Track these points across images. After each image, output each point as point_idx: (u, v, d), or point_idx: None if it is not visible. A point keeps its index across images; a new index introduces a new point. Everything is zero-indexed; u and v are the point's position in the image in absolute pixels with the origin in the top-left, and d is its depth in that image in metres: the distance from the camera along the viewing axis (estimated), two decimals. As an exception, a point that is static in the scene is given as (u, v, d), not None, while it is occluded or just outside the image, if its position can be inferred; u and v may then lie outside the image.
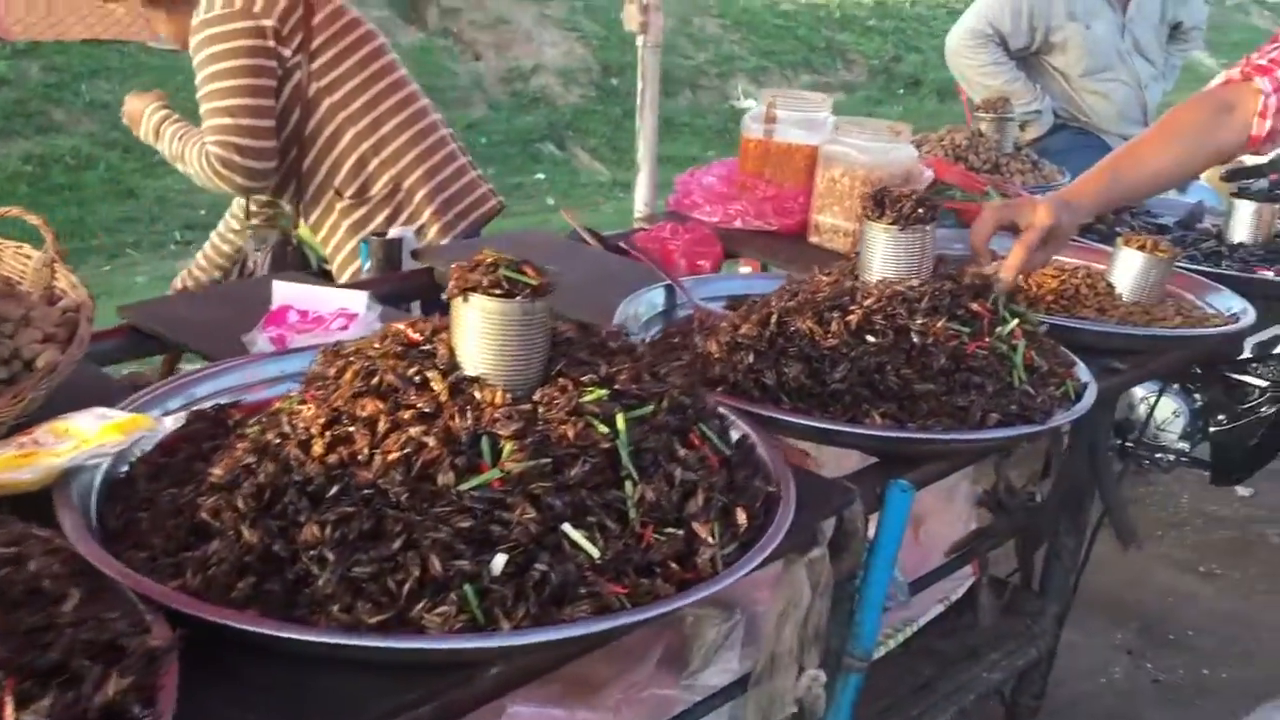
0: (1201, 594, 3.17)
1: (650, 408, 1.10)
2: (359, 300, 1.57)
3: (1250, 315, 1.89)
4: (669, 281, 1.75)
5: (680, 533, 1.04)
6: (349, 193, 2.42)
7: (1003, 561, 2.16)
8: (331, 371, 1.12)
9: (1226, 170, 3.35)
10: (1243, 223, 2.30)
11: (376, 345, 1.12)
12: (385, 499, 0.98)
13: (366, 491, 0.99)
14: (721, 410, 1.28)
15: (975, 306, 1.49)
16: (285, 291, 1.59)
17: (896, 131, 2.18)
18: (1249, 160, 3.58)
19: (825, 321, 1.44)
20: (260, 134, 2.32)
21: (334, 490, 0.99)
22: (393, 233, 2.04)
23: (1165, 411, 3.51)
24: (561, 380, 1.09)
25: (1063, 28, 3.52)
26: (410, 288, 1.97)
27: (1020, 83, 3.55)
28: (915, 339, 1.41)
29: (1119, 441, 3.63)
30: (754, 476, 1.18)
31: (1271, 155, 3.28)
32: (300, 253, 2.58)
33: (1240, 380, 3.43)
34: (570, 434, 1.04)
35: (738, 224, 2.28)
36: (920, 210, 1.49)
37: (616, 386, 1.10)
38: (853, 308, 1.44)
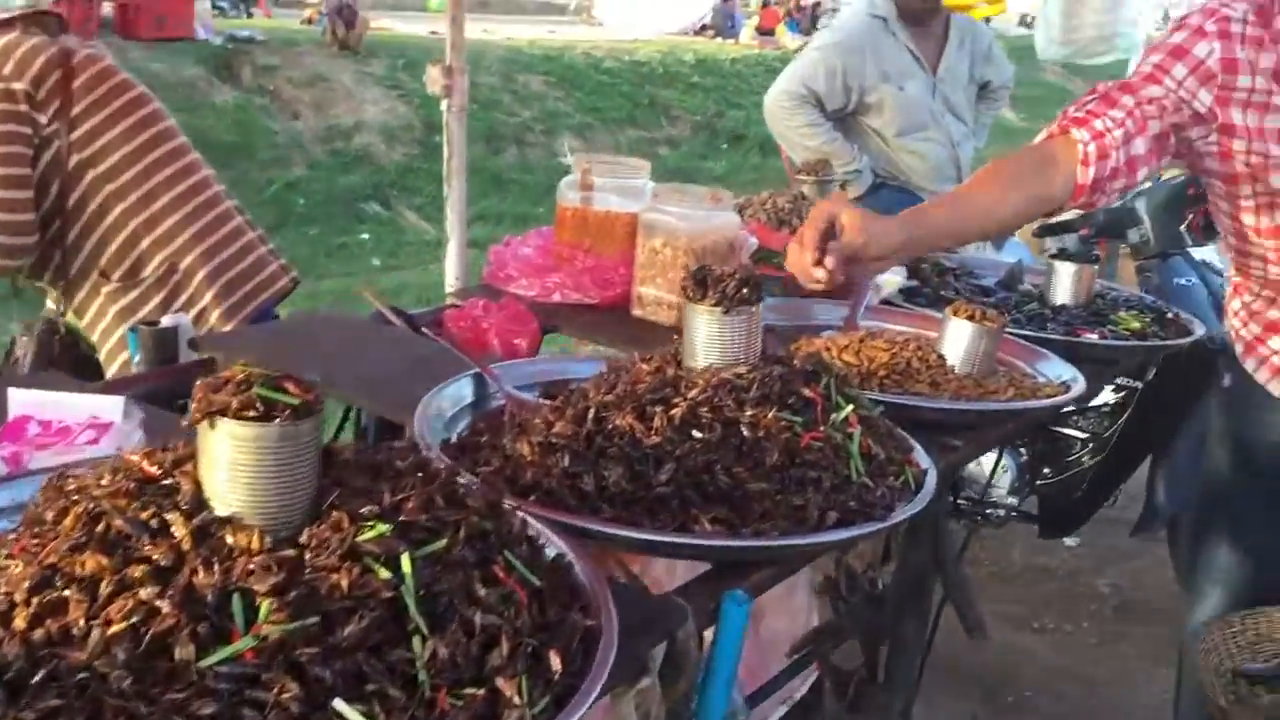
0: (1038, 651, 3.16)
1: (443, 541, 0.94)
2: (113, 407, 1.35)
3: (1080, 384, 1.85)
4: (477, 369, 1.59)
5: (481, 693, 0.88)
6: (116, 274, 2.18)
7: (845, 647, 2.07)
8: (50, 515, 0.92)
9: (1039, 226, 3.41)
10: (1064, 284, 2.29)
11: (105, 481, 0.93)
12: (104, 685, 0.79)
13: (81, 676, 0.79)
14: (533, 527, 1.13)
15: (808, 392, 1.38)
16: (23, 399, 1.36)
17: (717, 199, 2.08)
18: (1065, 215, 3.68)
19: (647, 416, 1.30)
20: (12, 207, 2.06)
21: (39, 676, 0.79)
22: (166, 320, 1.81)
23: (992, 465, 3.52)
24: (335, 515, 0.91)
25: (876, 89, 3.53)
26: (187, 384, 1.75)
27: (838, 143, 3.54)
28: (746, 432, 1.29)
29: (952, 499, 3.64)
30: (570, 607, 1.03)
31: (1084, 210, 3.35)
32: (72, 341, 2.31)
33: (1062, 433, 3.49)
34: (344, 583, 0.86)
35: (556, 297, 2.14)
36: (745, 290, 1.38)
37: (402, 518, 0.93)
38: (676, 400, 1.31)
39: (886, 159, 3.61)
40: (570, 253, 2.20)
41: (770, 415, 1.31)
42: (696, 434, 1.28)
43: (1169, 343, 2.16)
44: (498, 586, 0.96)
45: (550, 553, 1.12)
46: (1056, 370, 1.94)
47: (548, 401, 1.49)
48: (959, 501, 3.61)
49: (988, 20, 20.15)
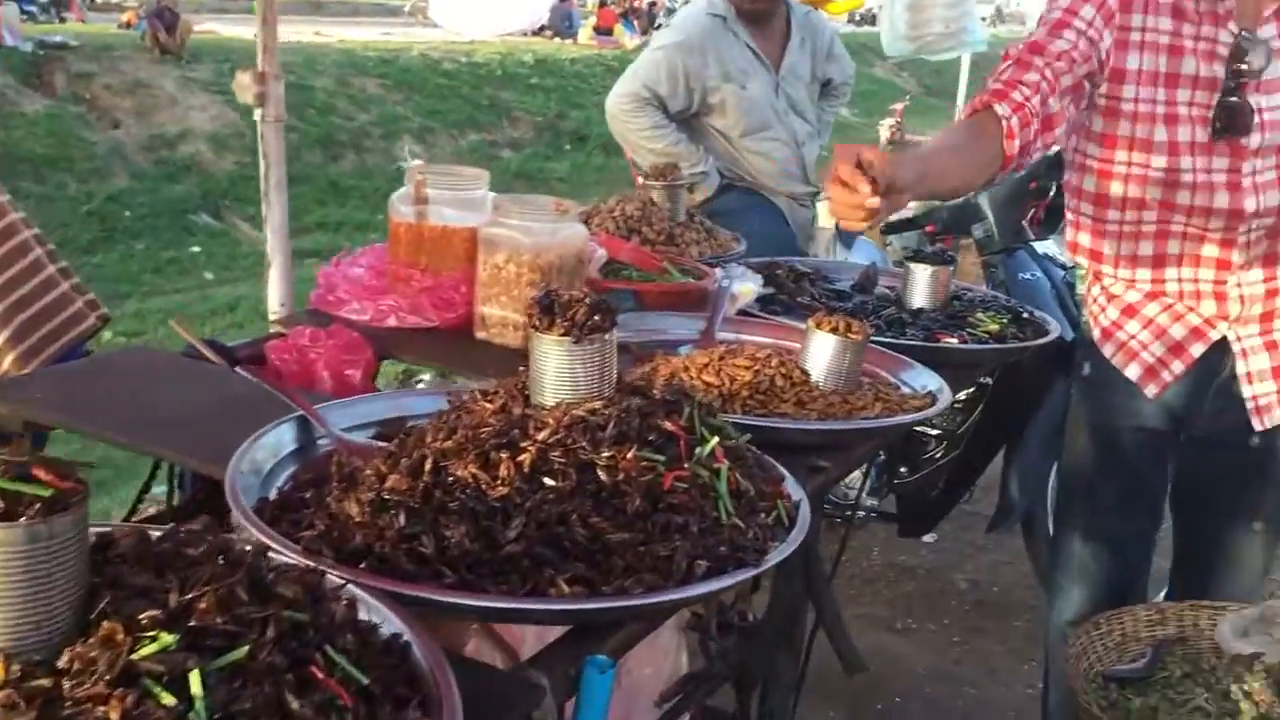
0: (902, 654, 3.13)
1: (245, 648, 0.78)
2: None
3: (946, 394, 1.79)
4: (300, 411, 1.42)
5: (298, 832, 0.72)
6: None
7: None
8: None
9: (885, 224, 3.38)
10: (920, 287, 2.24)
11: None
12: None
13: None
14: (363, 605, 0.98)
15: (669, 425, 1.26)
16: None
17: (562, 209, 1.95)
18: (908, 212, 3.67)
19: (492, 464, 1.16)
20: None
21: None
22: (-66, 368, 1.58)
23: (852, 469, 3.49)
24: (106, 627, 0.75)
25: (719, 89, 3.45)
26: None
27: (683, 145, 3.45)
28: (603, 477, 1.16)
29: (811, 503, 3.59)
30: (406, 704, 0.88)
31: (928, 207, 3.33)
32: None
33: (917, 431, 3.47)
34: (114, 717, 0.70)
35: (391, 321, 1.97)
36: (597, 316, 1.25)
37: (193, 623, 0.77)
38: (525, 444, 1.17)
39: (732, 160, 3.53)
40: (405, 272, 2.03)
41: (630, 455, 1.18)
42: (549, 482, 1.15)
43: (1028, 344, 2.13)
44: (315, 692, 0.81)
45: (386, 632, 0.97)
46: (921, 379, 1.88)
47: (383, 445, 1.34)
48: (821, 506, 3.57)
49: (851, 16, 20.52)
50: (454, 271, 2.01)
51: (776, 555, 1.21)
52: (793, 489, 1.37)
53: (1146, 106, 1.90)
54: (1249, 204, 1.91)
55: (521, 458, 1.16)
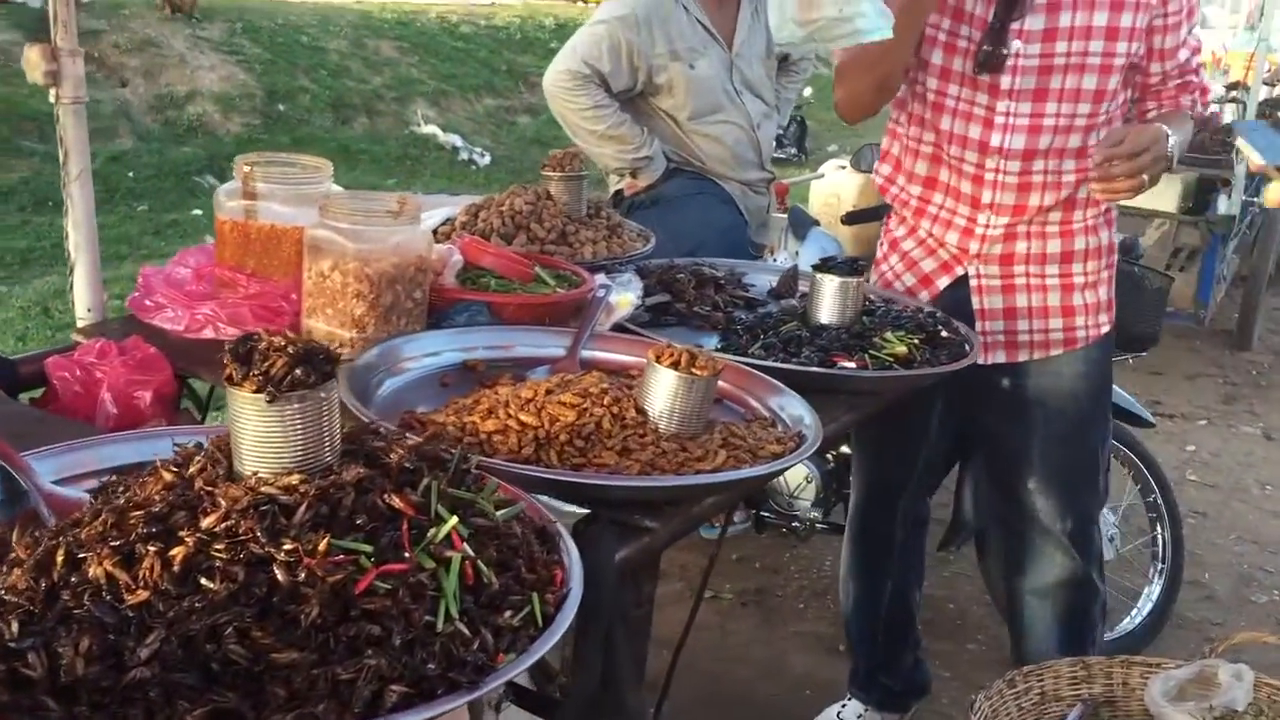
0: (839, 680, 2.90)
1: None
2: None
3: (813, 432, 1.55)
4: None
5: None
6: None
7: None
8: None
9: (847, 213, 3.11)
10: (827, 301, 1.99)
11: None
12: None
13: None
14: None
15: (397, 503, 1.03)
16: None
17: (402, 207, 1.71)
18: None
19: (137, 558, 0.94)
20: None
21: None
22: None
23: (797, 477, 3.26)
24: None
25: (665, 68, 3.18)
26: None
27: (626, 126, 3.19)
28: (280, 576, 0.94)
29: (754, 512, 3.37)
30: None
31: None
32: None
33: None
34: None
35: (208, 332, 1.75)
36: (299, 370, 1.01)
37: None
38: (184, 533, 0.95)
39: (680, 143, 3.27)
40: (230, 276, 1.81)
41: (323, 546, 0.96)
42: (206, 583, 0.92)
43: (934, 370, 1.88)
44: None
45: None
46: (796, 410, 1.64)
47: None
48: (763, 515, 3.35)
49: None
50: (284, 277, 1.79)
51: (505, 672, 0.98)
52: (573, 567, 1.14)
53: (931, 31, 2.17)
54: (994, 139, 2.17)
55: (174, 551, 0.93)
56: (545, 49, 16.31)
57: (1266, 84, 7.27)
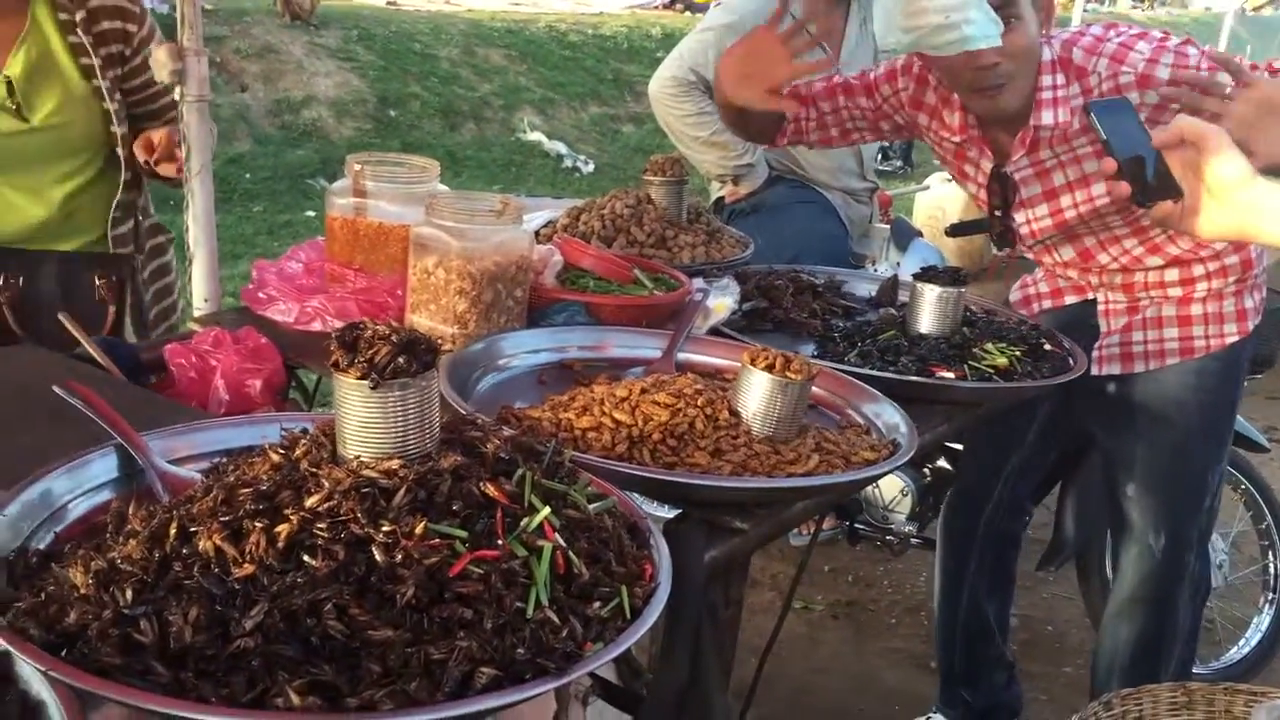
0: (929, 697, 2.85)
1: None
2: None
3: (907, 441, 1.53)
4: (118, 440, 1.26)
5: None
6: None
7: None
8: None
9: (952, 225, 3.09)
10: (927, 311, 1.97)
11: None
12: None
13: None
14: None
15: (491, 491, 1.05)
16: None
17: (506, 208, 1.75)
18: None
19: (244, 534, 0.97)
20: None
21: None
22: None
23: (892, 490, 3.22)
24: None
25: (772, 72, 3.19)
26: None
27: (729, 133, 3.20)
28: (378, 557, 0.97)
29: (848, 524, 3.34)
30: None
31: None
32: None
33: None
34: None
35: (316, 325, 1.81)
36: (402, 359, 1.05)
37: None
38: (289, 511, 0.99)
39: (783, 151, 3.27)
40: (340, 272, 1.86)
41: (420, 529, 0.98)
42: (308, 560, 0.96)
43: (1035, 384, 1.84)
44: None
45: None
46: (891, 417, 1.63)
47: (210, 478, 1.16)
48: (857, 527, 3.32)
49: None
50: (390, 273, 1.84)
51: (591, 660, 1.00)
52: (662, 562, 1.15)
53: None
54: (1030, 240, 2.23)
55: (279, 529, 0.97)
56: (651, 58, 16.39)
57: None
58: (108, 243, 2.16)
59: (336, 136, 12.64)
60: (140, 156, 2.07)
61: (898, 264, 3.68)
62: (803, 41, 2.03)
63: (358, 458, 1.06)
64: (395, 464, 1.04)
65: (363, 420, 1.06)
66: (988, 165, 2.15)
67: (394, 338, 1.05)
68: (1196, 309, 2.22)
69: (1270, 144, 1.60)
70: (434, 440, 1.09)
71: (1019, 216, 2.18)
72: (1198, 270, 2.19)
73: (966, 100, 2.04)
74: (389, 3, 16.20)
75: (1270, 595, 3.12)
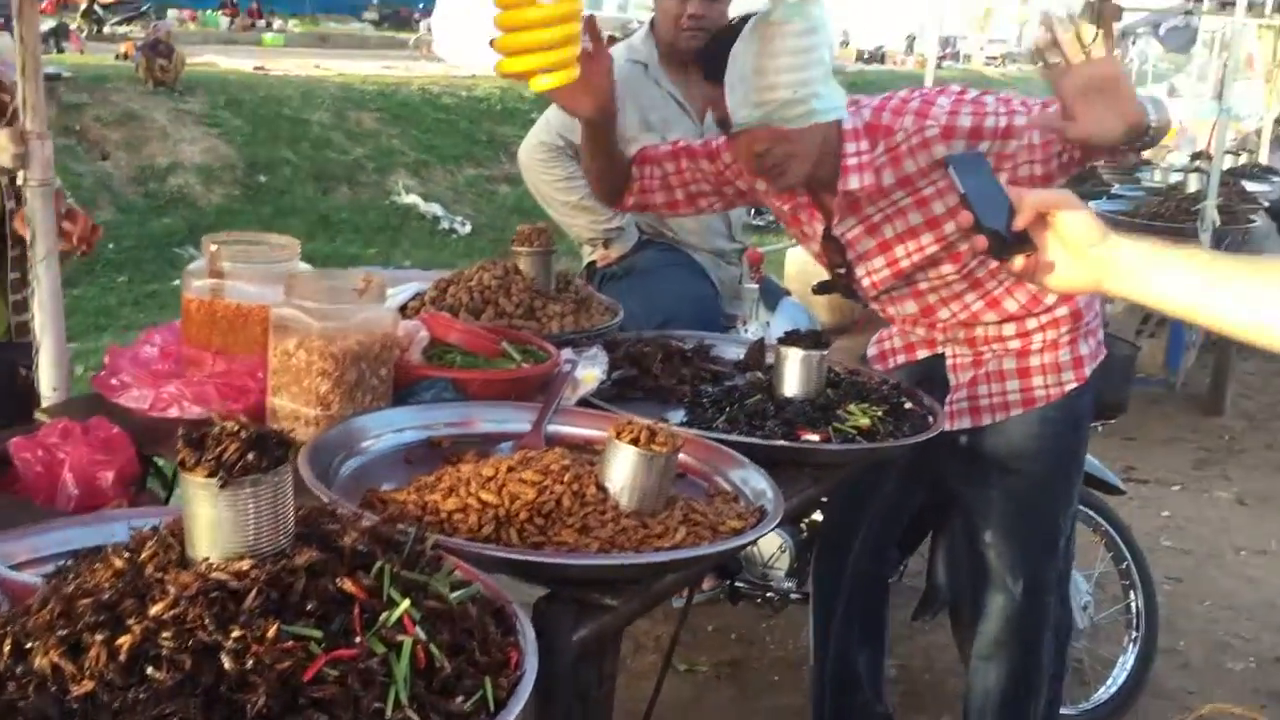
0: (816, 756, 2.86)
1: None
2: None
3: (774, 507, 1.56)
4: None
5: None
6: None
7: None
8: None
9: (818, 283, 3.16)
10: (791, 374, 2.01)
11: None
12: None
13: None
14: None
15: (349, 586, 1.03)
16: None
17: (364, 285, 1.73)
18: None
19: (84, 647, 0.93)
20: None
21: None
22: None
23: (771, 547, 3.26)
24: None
25: (638, 139, 3.22)
26: None
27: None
28: (228, 664, 0.93)
29: (729, 583, 3.35)
30: None
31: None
32: None
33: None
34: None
35: (173, 411, 1.75)
36: (253, 456, 1.02)
37: None
38: (132, 620, 0.95)
39: (653, 214, 3.31)
40: (197, 355, 1.82)
41: (272, 632, 0.96)
42: (152, 673, 0.92)
43: (897, 444, 1.89)
44: None
45: None
46: (758, 484, 1.65)
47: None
48: (738, 585, 3.34)
49: (860, 55, 20.08)
50: (250, 355, 1.80)
51: (451, 760, 0.98)
52: (529, 652, 1.14)
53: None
54: (871, 291, 2.32)
55: (120, 640, 0.93)
56: (525, 119, 16.47)
57: (1230, 153, 7.41)
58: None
59: (205, 203, 12.38)
60: (21, 231, 1.99)
61: (767, 323, 3.75)
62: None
63: (207, 559, 1.02)
64: (246, 564, 1.01)
65: (212, 520, 1.02)
66: (820, 227, 2.24)
67: (243, 434, 1.03)
68: (1035, 360, 2.31)
69: (1089, 119, 1.70)
70: (288, 536, 1.07)
71: (859, 270, 2.27)
72: (1031, 324, 2.29)
73: (761, 179, 2.14)
74: (256, 68, 15.98)
75: (1133, 634, 3.23)
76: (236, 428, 1.03)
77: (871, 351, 2.56)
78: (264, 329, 1.78)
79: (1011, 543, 2.40)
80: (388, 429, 1.72)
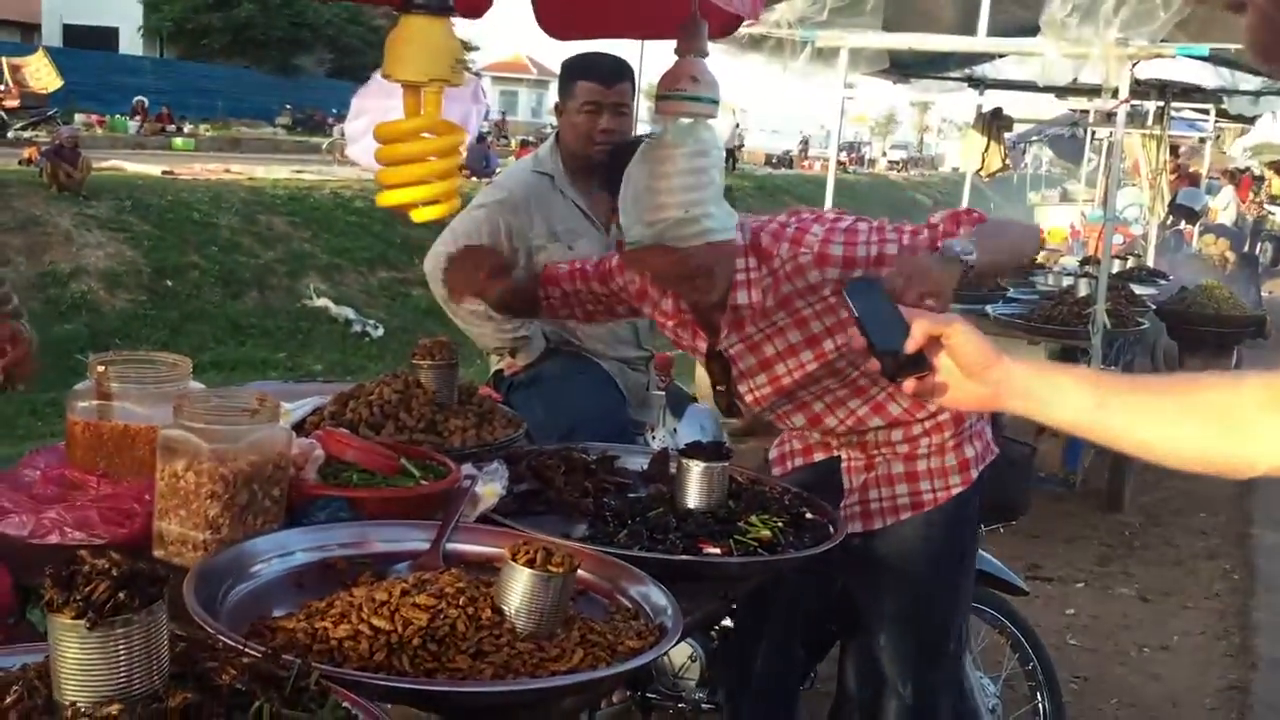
0: None
1: None
2: None
3: (674, 624, 1.55)
4: None
5: None
6: None
7: None
8: None
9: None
10: (693, 486, 2.02)
11: None
12: None
13: None
14: None
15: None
16: None
17: (257, 404, 1.70)
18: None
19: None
20: None
21: None
22: None
23: (681, 657, 3.22)
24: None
25: (545, 248, 3.27)
26: None
27: (505, 308, 3.25)
28: (90, 817, 0.89)
29: (639, 694, 3.30)
30: None
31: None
32: None
33: (753, 616, 3.23)
34: None
35: (53, 538, 1.69)
36: (124, 595, 0.99)
37: None
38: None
39: (559, 322, 3.33)
40: (82, 478, 1.76)
41: (139, 782, 0.92)
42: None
43: (798, 555, 1.91)
44: None
45: None
46: (659, 601, 1.64)
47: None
48: (649, 696, 3.28)
49: (769, 159, 20.65)
50: (137, 478, 1.75)
51: None
52: (418, 788, 1.11)
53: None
54: (756, 407, 2.37)
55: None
56: (439, 222, 16.49)
57: (1118, 257, 7.73)
58: None
59: (108, 309, 12.14)
60: None
61: (675, 430, 3.77)
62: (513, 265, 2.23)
63: (74, 704, 0.98)
64: (115, 708, 0.97)
65: (80, 663, 0.99)
66: (703, 345, 2.31)
67: (114, 571, 1.00)
68: (922, 464, 2.37)
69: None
70: (162, 676, 1.03)
71: (742, 387, 2.32)
72: (917, 429, 2.35)
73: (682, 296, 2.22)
74: (164, 172, 15.86)
75: (1042, 733, 3.24)
76: (107, 565, 1.00)
77: (773, 454, 2.60)
78: (152, 450, 1.74)
79: (902, 646, 2.43)
80: (279, 552, 1.68)
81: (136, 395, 1.79)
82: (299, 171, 18.44)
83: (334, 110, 26.88)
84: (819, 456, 2.49)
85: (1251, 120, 11.82)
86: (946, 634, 2.47)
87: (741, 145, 28.92)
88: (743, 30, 5.61)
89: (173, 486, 1.66)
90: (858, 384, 2.26)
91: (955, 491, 2.38)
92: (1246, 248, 12.63)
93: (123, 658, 0.99)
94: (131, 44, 33.43)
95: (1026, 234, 2.33)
